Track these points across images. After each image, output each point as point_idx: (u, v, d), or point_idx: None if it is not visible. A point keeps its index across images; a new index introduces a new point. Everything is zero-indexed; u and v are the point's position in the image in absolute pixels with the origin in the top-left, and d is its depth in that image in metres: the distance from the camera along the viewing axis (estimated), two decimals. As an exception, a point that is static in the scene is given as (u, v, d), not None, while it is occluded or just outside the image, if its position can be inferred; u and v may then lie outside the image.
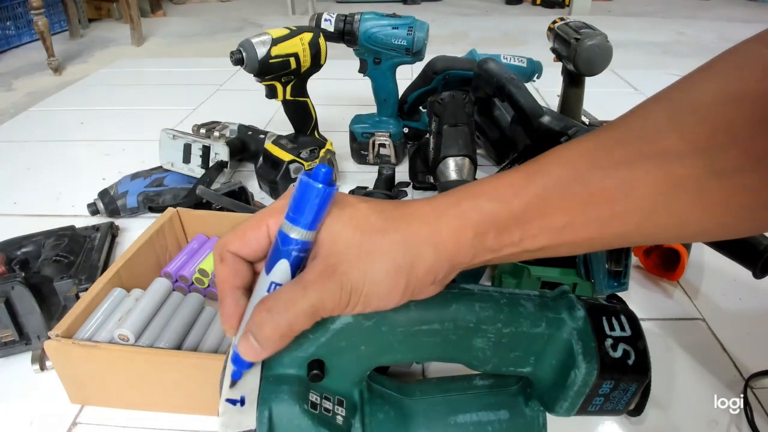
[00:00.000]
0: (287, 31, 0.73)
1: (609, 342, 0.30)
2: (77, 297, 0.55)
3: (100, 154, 1.01)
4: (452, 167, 0.70)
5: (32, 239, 0.66)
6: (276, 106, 1.05)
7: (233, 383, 0.28)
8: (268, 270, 0.27)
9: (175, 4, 2.78)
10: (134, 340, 0.48)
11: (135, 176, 0.81)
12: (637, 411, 0.47)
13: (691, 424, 0.47)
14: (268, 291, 0.27)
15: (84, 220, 0.77)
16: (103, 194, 0.78)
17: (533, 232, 0.27)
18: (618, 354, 0.30)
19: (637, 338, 0.30)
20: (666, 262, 0.64)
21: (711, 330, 0.57)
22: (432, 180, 0.75)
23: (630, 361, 0.30)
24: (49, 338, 0.45)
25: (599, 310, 0.31)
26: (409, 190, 0.75)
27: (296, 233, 0.26)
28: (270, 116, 1.14)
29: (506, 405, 0.34)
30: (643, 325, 0.55)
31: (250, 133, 0.92)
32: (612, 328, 0.30)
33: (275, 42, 0.71)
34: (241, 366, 0.28)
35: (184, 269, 0.60)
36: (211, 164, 0.82)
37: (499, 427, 0.33)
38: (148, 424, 0.47)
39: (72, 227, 0.68)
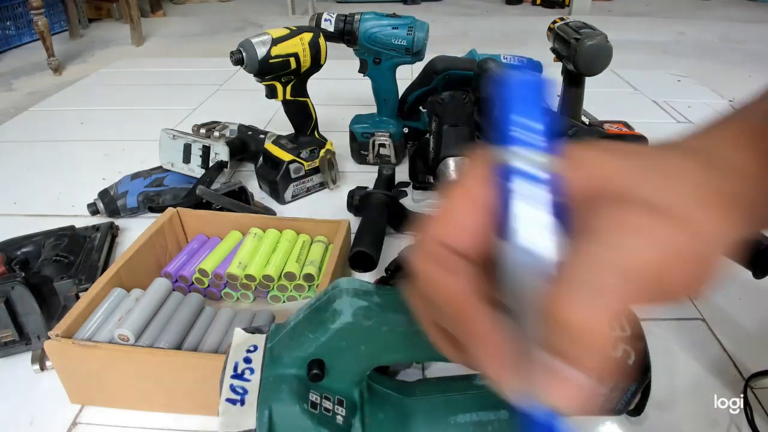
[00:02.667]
0: (287, 31, 0.73)
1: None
2: (77, 297, 0.55)
3: (100, 154, 1.01)
4: (452, 167, 0.70)
5: (32, 239, 0.66)
6: (276, 106, 1.05)
7: None
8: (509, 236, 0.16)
9: (175, 4, 2.78)
10: (134, 340, 0.48)
11: (135, 176, 0.81)
12: (637, 411, 0.47)
13: (691, 424, 0.47)
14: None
15: (84, 220, 0.77)
16: (103, 194, 0.78)
17: None
18: (617, 354, 0.29)
19: (637, 338, 0.30)
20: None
21: (711, 330, 0.57)
22: (432, 180, 0.75)
23: (630, 361, 0.29)
24: (49, 338, 0.45)
25: None
26: (409, 190, 0.75)
27: (538, 158, 0.16)
28: (270, 116, 1.14)
29: (506, 404, 0.33)
30: (643, 325, 0.55)
31: (250, 133, 0.92)
32: (611, 328, 0.30)
33: (275, 42, 0.71)
34: None
35: (184, 269, 0.60)
36: (211, 164, 0.82)
37: (499, 427, 0.33)
38: (148, 424, 0.47)
39: (72, 227, 0.68)
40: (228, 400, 0.27)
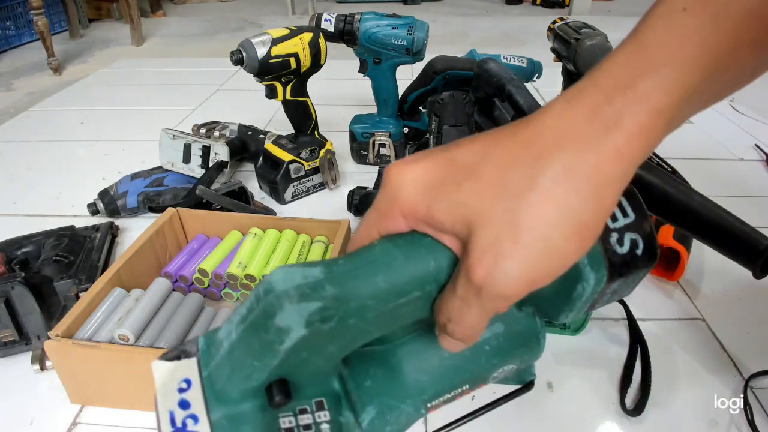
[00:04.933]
0: (287, 31, 0.73)
1: (614, 237, 0.25)
2: (77, 297, 0.55)
3: (100, 154, 1.01)
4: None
5: (32, 239, 0.66)
6: (276, 106, 1.05)
7: None
8: None
9: (175, 4, 2.78)
10: (134, 340, 0.48)
11: (135, 176, 0.81)
12: (637, 411, 0.47)
13: (691, 424, 0.47)
14: None
15: (84, 220, 0.77)
16: (103, 194, 0.78)
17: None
18: (626, 248, 0.25)
19: (642, 220, 0.26)
20: (666, 262, 0.64)
21: (711, 330, 0.57)
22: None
23: (639, 251, 0.26)
24: (49, 338, 0.45)
25: None
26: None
27: None
28: (270, 116, 1.14)
29: (498, 318, 0.29)
30: (643, 325, 0.55)
31: (250, 133, 0.92)
32: (614, 218, 0.25)
33: (275, 42, 0.71)
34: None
35: (184, 269, 0.60)
36: (211, 164, 0.82)
37: (497, 343, 0.29)
38: (148, 424, 0.47)
39: (72, 227, 0.68)
40: None
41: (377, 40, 0.82)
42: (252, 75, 0.74)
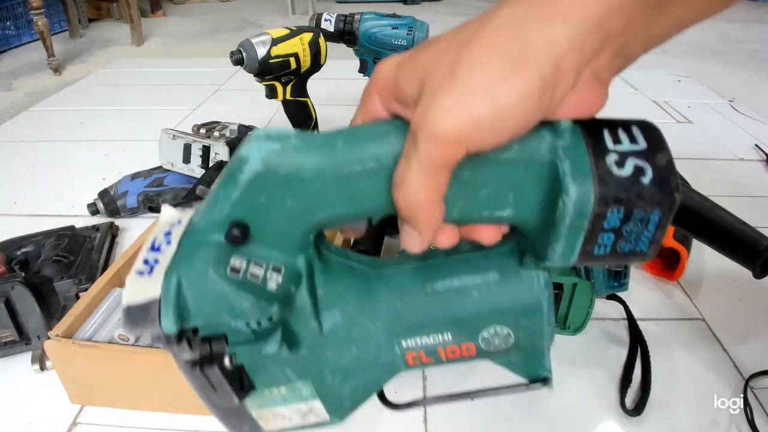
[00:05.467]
0: (287, 31, 0.73)
1: (612, 157, 0.22)
2: (77, 297, 0.55)
3: (100, 154, 1.01)
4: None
5: (32, 239, 0.66)
6: (276, 106, 1.05)
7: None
8: None
9: (175, 4, 2.78)
10: (134, 340, 0.48)
11: (135, 176, 0.81)
12: (637, 411, 0.47)
13: (691, 424, 0.47)
14: None
15: (84, 220, 0.77)
16: (103, 194, 0.78)
17: None
18: (626, 171, 0.22)
19: (656, 152, 0.22)
20: (666, 262, 0.64)
21: (711, 330, 0.57)
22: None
23: (645, 180, 0.22)
24: (49, 338, 0.45)
25: (598, 122, 0.23)
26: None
27: None
28: (270, 116, 1.14)
29: (496, 266, 0.27)
30: (643, 325, 0.55)
31: (250, 133, 0.92)
32: (617, 141, 0.22)
33: (275, 42, 0.71)
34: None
35: (184, 269, 0.60)
36: (211, 164, 0.82)
37: (487, 291, 0.26)
38: (148, 424, 0.47)
39: (72, 227, 0.68)
40: (137, 272, 0.23)
41: (377, 40, 0.82)
42: (252, 75, 0.74)
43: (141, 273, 0.23)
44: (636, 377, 0.51)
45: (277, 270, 0.24)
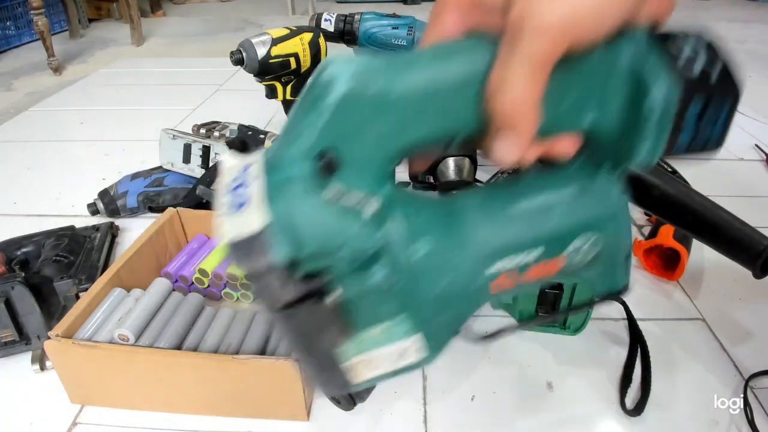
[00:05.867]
0: (287, 31, 0.73)
1: (681, 62, 0.24)
2: (77, 297, 0.55)
3: (100, 154, 1.01)
4: (452, 167, 0.70)
5: (32, 239, 0.66)
6: (276, 106, 1.05)
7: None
8: None
9: (175, 4, 2.78)
10: (134, 340, 0.48)
11: (135, 176, 0.81)
12: (637, 411, 0.47)
13: (691, 424, 0.47)
14: None
15: (84, 220, 0.77)
16: (103, 194, 0.78)
17: None
18: (695, 73, 0.24)
19: (714, 59, 0.25)
20: (666, 262, 0.64)
21: (711, 330, 0.57)
22: (432, 180, 0.75)
23: (713, 79, 0.24)
24: (49, 338, 0.45)
25: (659, 36, 0.25)
26: (408, 190, 0.76)
27: None
28: (270, 116, 1.14)
29: (572, 181, 0.27)
30: (643, 325, 0.55)
31: (250, 133, 0.92)
32: (681, 49, 0.25)
33: (275, 42, 0.71)
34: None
35: (184, 269, 0.60)
36: (211, 164, 0.82)
37: (570, 205, 0.26)
38: (148, 424, 0.47)
39: (72, 227, 0.68)
40: (228, 212, 0.22)
41: (377, 40, 0.82)
42: (252, 75, 0.74)
43: (232, 212, 0.22)
44: (636, 377, 0.51)
45: (371, 197, 0.23)
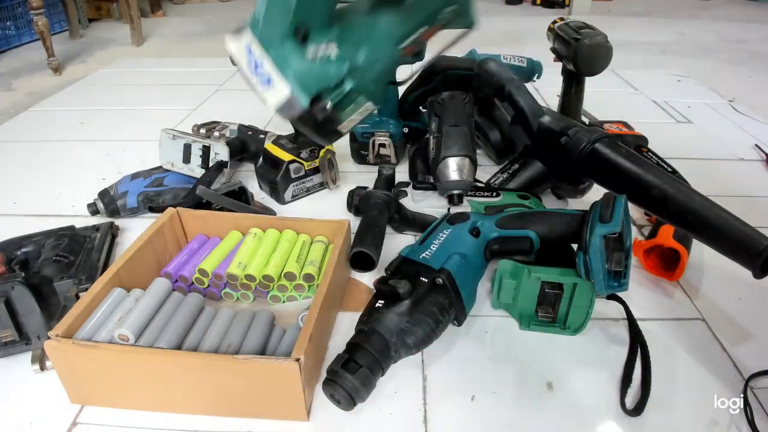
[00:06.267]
0: (287, 31, 0.74)
1: None
2: (77, 297, 0.55)
3: (100, 154, 1.01)
4: (452, 167, 0.70)
5: (32, 239, 0.66)
6: (276, 106, 1.05)
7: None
8: None
9: (175, 4, 2.78)
10: (134, 340, 0.48)
11: (135, 176, 0.81)
12: (637, 411, 0.47)
13: (691, 424, 0.47)
14: None
15: (84, 220, 0.77)
16: (103, 194, 0.78)
17: None
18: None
19: None
20: (666, 262, 0.64)
21: (711, 330, 0.57)
22: (432, 180, 0.75)
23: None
24: (49, 338, 0.45)
25: None
26: (408, 190, 0.75)
27: None
28: (270, 116, 1.14)
29: None
30: (643, 325, 0.55)
31: (250, 133, 0.92)
32: None
33: (275, 42, 0.71)
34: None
35: (184, 269, 0.60)
36: (211, 164, 0.82)
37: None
38: (148, 424, 0.47)
39: (72, 227, 0.68)
40: (263, 89, 0.40)
41: (377, 40, 0.82)
42: (252, 75, 0.74)
43: (266, 87, 0.41)
44: (636, 377, 0.51)
45: (330, 43, 0.41)
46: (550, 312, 0.56)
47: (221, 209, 0.70)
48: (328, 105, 0.40)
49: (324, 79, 0.40)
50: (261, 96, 0.40)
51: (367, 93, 0.44)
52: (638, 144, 0.88)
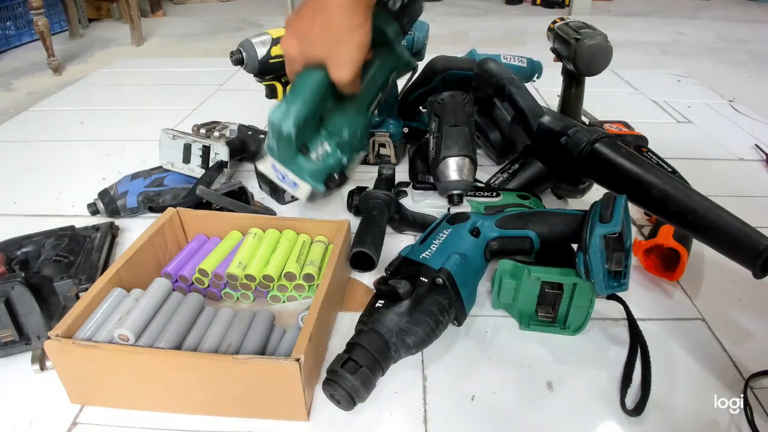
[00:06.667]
0: (287, 31, 0.74)
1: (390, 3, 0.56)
2: (77, 297, 0.55)
3: (100, 154, 1.01)
4: (453, 167, 0.70)
5: (32, 239, 0.66)
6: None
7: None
8: None
9: (175, 4, 2.78)
10: (134, 340, 0.48)
11: (135, 176, 0.81)
12: (637, 411, 0.47)
13: (691, 424, 0.47)
14: None
15: (84, 220, 0.77)
16: (103, 194, 0.78)
17: None
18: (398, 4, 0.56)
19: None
20: (666, 262, 0.64)
21: (711, 330, 0.57)
22: (432, 180, 0.75)
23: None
24: (49, 338, 0.45)
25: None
26: (408, 190, 0.75)
27: None
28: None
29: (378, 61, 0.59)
30: (643, 325, 0.55)
31: (250, 133, 0.92)
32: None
33: (275, 42, 0.71)
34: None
35: (184, 269, 0.60)
36: (211, 164, 0.82)
37: (380, 69, 0.58)
38: (148, 424, 0.47)
39: (72, 227, 0.68)
40: (291, 189, 0.56)
41: (377, 40, 0.82)
42: (252, 75, 0.74)
43: (294, 188, 0.55)
44: (636, 377, 0.51)
45: (323, 142, 0.54)
46: (550, 312, 0.56)
47: (221, 209, 0.70)
48: (337, 177, 0.56)
49: (328, 169, 0.55)
50: (293, 193, 0.55)
51: (357, 151, 0.58)
52: (638, 144, 0.88)
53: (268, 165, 0.54)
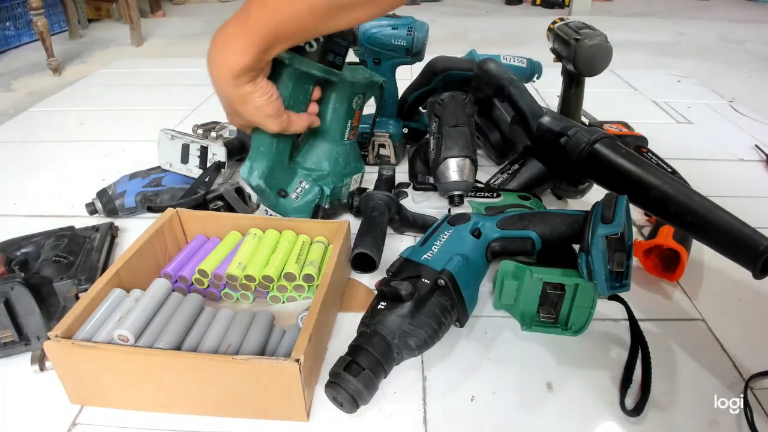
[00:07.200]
0: (287, 32, 0.74)
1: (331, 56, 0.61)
2: (77, 297, 0.55)
3: (100, 154, 1.01)
4: (453, 168, 0.70)
5: (32, 239, 0.65)
6: (276, 106, 1.05)
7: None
8: None
9: (174, 4, 2.78)
10: (134, 340, 0.48)
11: (133, 176, 0.81)
12: (637, 411, 0.47)
13: (691, 424, 0.47)
14: None
15: (84, 220, 0.77)
16: (102, 194, 0.78)
17: None
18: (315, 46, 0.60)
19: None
20: (666, 263, 0.64)
21: (711, 330, 0.57)
22: (432, 181, 0.75)
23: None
24: (49, 339, 0.45)
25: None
26: (409, 190, 0.75)
27: None
28: (270, 116, 1.14)
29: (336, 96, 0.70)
30: (643, 325, 0.55)
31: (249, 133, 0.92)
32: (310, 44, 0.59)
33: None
34: None
35: (184, 269, 0.60)
36: (208, 165, 0.82)
37: (340, 105, 0.68)
38: (148, 424, 0.47)
39: (72, 227, 0.68)
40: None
41: (377, 41, 0.82)
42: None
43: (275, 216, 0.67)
44: (636, 377, 0.51)
45: (302, 181, 0.66)
46: (551, 313, 0.56)
47: (218, 209, 0.70)
48: (326, 205, 0.64)
49: (311, 203, 0.64)
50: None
51: (348, 176, 0.63)
52: (638, 144, 0.88)
53: (261, 208, 0.67)
